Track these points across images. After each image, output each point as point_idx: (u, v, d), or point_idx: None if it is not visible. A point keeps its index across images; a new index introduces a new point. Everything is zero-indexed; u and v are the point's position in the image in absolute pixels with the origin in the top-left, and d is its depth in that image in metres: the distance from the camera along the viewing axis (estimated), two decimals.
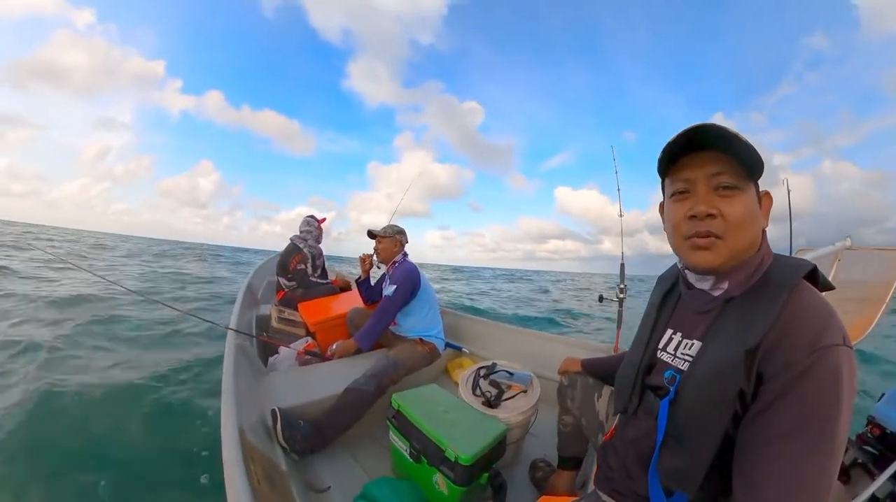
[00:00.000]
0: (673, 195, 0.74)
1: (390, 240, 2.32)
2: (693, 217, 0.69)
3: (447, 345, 2.42)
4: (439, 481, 1.27)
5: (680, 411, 0.72)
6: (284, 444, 1.37)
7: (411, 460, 1.35)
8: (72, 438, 2.05)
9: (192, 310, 3.17)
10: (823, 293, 0.67)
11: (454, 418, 1.42)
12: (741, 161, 0.66)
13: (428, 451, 1.30)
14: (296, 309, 2.77)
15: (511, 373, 1.86)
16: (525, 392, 1.75)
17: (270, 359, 2.13)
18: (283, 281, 3.16)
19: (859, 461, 1.07)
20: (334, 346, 2.13)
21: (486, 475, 1.29)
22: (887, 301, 1.23)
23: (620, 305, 2.20)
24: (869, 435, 1.10)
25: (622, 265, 2.26)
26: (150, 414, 2.36)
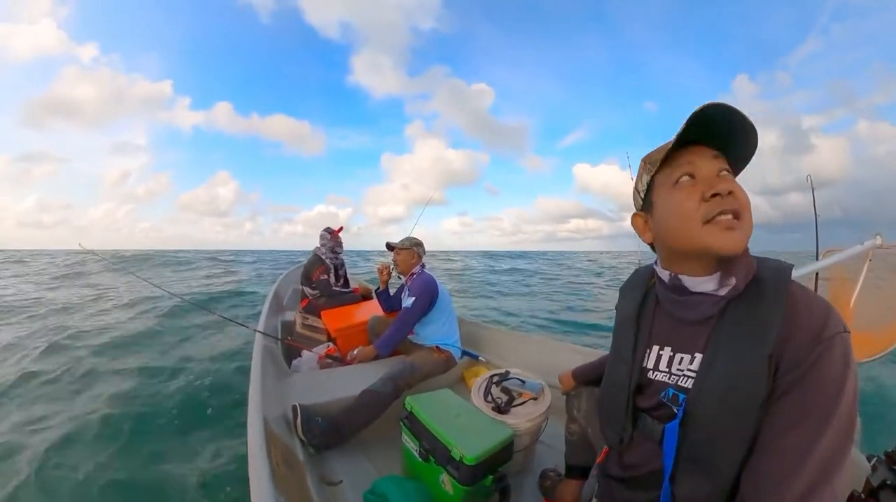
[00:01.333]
0: (676, 182, 0.68)
1: (408, 252, 2.41)
2: (715, 196, 0.63)
3: (464, 353, 2.48)
4: (445, 481, 1.32)
5: (697, 432, 0.67)
6: (303, 437, 1.48)
7: (420, 459, 1.41)
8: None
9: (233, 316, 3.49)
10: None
11: (464, 421, 1.47)
12: (736, 158, 0.67)
13: (436, 451, 1.36)
14: (319, 316, 2.91)
15: (523, 381, 1.89)
16: (535, 399, 1.77)
17: (294, 362, 2.27)
18: (307, 290, 3.32)
19: (889, 483, 0.92)
20: (355, 352, 2.24)
21: (490, 477, 1.33)
22: None
23: None
24: None
25: (639, 263, 2.26)
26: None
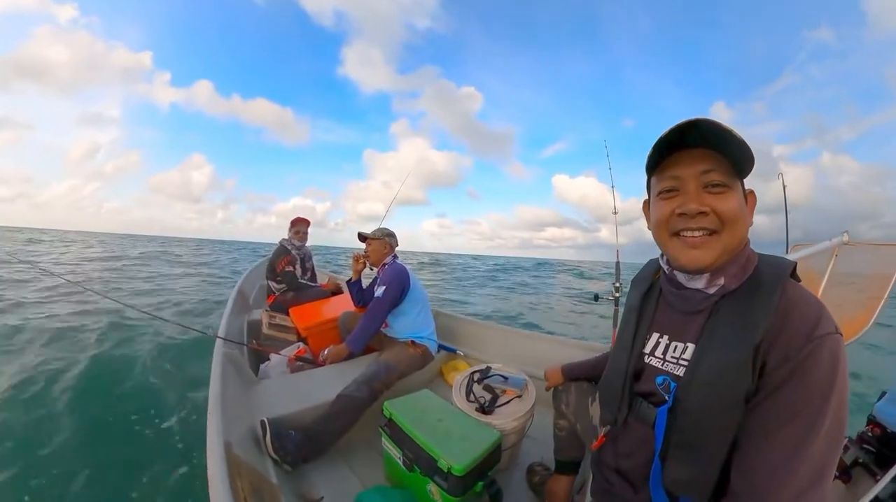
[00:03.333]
0: (660, 193, 0.73)
1: (380, 242, 2.32)
2: (682, 215, 0.68)
3: (441, 347, 2.41)
4: (433, 490, 1.25)
5: (685, 418, 0.69)
6: (275, 456, 1.35)
7: (405, 468, 1.34)
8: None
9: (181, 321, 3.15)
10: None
11: (448, 426, 1.41)
12: (733, 159, 0.66)
13: (421, 460, 1.28)
14: (287, 313, 2.75)
15: (505, 378, 1.84)
16: (520, 397, 1.73)
17: (262, 366, 2.12)
18: (272, 284, 3.13)
19: (860, 460, 1.07)
20: (326, 351, 2.12)
21: (481, 484, 1.28)
22: (886, 296, 1.23)
23: (616, 304, 2.23)
24: (869, 434, 1.10)
25: (617, 264, 2.28)
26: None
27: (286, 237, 3.28)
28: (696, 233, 0.68)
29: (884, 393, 1.13)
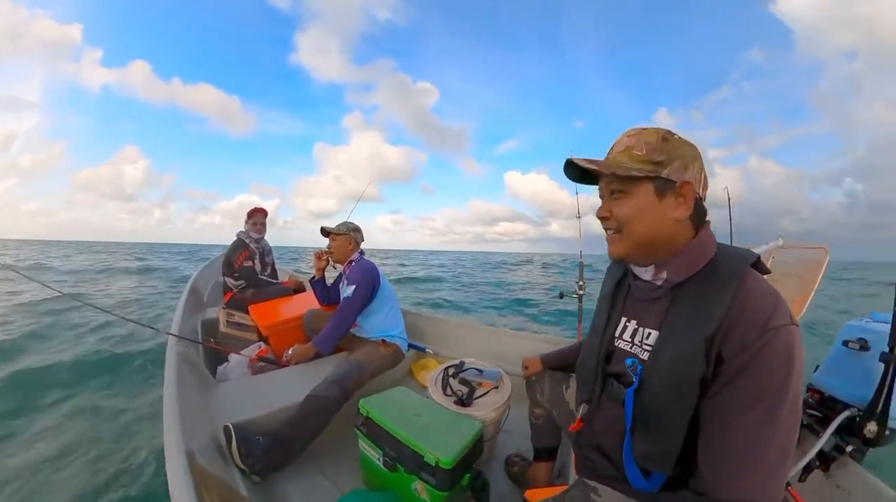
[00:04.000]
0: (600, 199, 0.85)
1: (345, 237, 2.20)
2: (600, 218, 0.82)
3: (410, 345, 2.35)
4: (419, 488, 1.20)
5: (646, 399, 0.75)
6: (242, 465, 1.23)
7: (385, 469, 1.27)
8: None
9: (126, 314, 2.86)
10: (764, 275, 0.73)
11: (428, 420, 1.36)
12: (614, 174, 0.75)
13: (404, 458, 1.23)
14: (246, 311, 2.56)
15: (480, 371, 1.83)
16: (496, 388, 1.73)
17: (220, 368, 1.94)
18: (229, 281, 2.90)
19: (805, 423, 1.19)
20: (290, 351, 1.98)
21: (467, 476, 1.24)
22: (815, 287, 1.38)
23: (580, 300, 2.30)
24: (811, 400, 1.23)
25: (581, 264, 2.34)
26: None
27: (243, 230, 3.06)
28: (608, 233, 0.80)
29: (817, 366, 1.27)
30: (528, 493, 1.08)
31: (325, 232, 2.25)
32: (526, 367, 1.47)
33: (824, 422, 1.12)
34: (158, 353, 3.20)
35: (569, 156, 0.79)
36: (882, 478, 1.02)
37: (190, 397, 1.33)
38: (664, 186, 0.73)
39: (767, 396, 0.60)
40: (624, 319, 0.87)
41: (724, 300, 0.65)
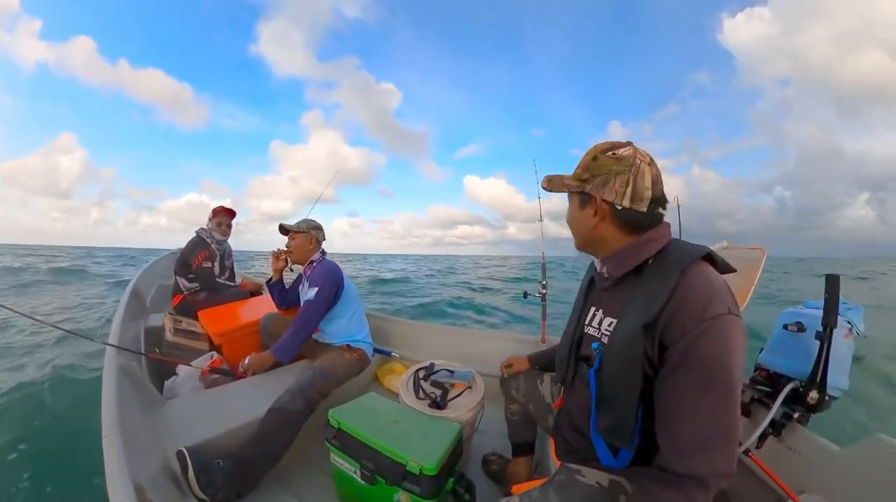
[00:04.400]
0: None
1: (305, 236, 2.04)
2: None
3: (375, 350, 2.24)
4: (403, 499, 1.14)
5: (605, 378, 0.84)
6: (203, 495, 1.10)
7: (363, 482, 1.20)
8: None
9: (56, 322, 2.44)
10: (728, 273, 0.80)
11: (405, 427, 1.31)
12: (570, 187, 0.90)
13: (384, 469, 1.16)
14: (195, 317, 2.32)
15: (452, 372, 1.80)
16: (470, 388, 1.70)
17: (167, 383, 1.74)
18: (182, 281, 2.62)
19: (756, 398, 1.37)
20: (247, 361, 1.81)
21: (451, 480, 1.20)
22: (755, 283, 1.53)
23: (544, 300, 2.32)
24: (759, 377, 1.41)
25: (543, 265, 2.37)
26: None
27: (204, 228, 2.78)
28: None
29: (762, 348, 1.45)
30: (515, 487, 1.08)
31: (284, 230, 2.09)
32: (509, 365, 1.49)
33: (772, 396, 1.30)
34: (94, 369, 2.83)
35: (544, 173, 0.97)
36: (825, 437, 1.20)
37: (134, 419, 1.17)
38: (585, 199, 0.87)
39: (713, 379, 0.67)
40: (593, 308, 0.96)
41: (666, 290, 0.72)
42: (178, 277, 2.66)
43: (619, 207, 0.82)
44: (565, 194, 0.96)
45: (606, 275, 0.90)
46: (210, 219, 2.79)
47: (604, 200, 0.83)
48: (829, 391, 1.20)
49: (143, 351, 1.92)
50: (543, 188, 0.95)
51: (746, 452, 1.26)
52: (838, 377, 1.21)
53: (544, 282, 2.30)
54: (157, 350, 2.00)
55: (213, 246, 2.74)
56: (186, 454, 1.11)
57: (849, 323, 1.27)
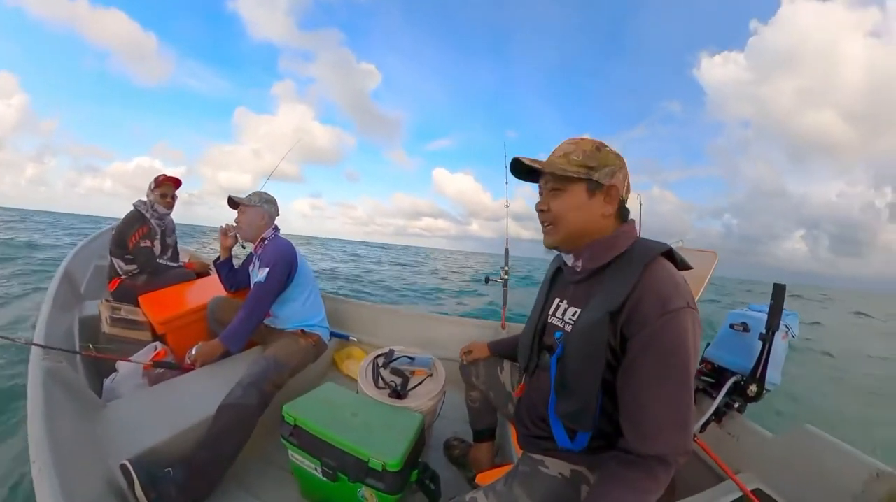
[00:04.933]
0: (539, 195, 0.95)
1: (256, 210, 1.89)
2: (538, 211, 0.93)
3: (332, 334, 2.19)
4: (367, 495, 1.15)
5: (566, 364, 0.87)
6: None
7: (326, 479, 1.18)
8: None
9: None
10: (685, 270, 0.85)
11: (365, 419, 1.30)
12: (554, 174, 0.87)
13: (347, 466, 1.15)
14: (136, 303, 2.13)
15: (412, 359, 1.80)
16: (431, 375, 1.72)
17: (106, 382, 1.60)
18: (119, 263, 2.38)
19: (701, 388, 1.52)
20: (194, 351, 1.70)
21: (415, 472, 1.22)
22: (705, 283, 1.68)
23: (505, 285, 2.34)
24: (705, 369, 1.56)
25: (506, 250, 2.38)
26: None
27: (144, 200, 2.48)
28: (544, 225, 0.93)
29: (709, 343, 1.60)
30: (480, 477, 1.13)
31: (234, 202, 1.92)
32: (469, 352, 1.48)
33: (716, 386, 1.44)
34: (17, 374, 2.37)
35: (515, 156, 0.91)
36: (759, 424, 1.36)
37: (68, 433, 1.05)
38: (594, 187, 0.86)
39: (671, 368, 0.72)
40: (557, 299, 0.99)
41: (629, 283, 0.77)
42: (113, 258, 2.42)
43: (623, 199, 0.89)
44: (534, 186, 0.96)
45: (580, 269, 0.91)
46: (151, 190, 2.49)
47: (617, 191, 0.88)
48: (767, 386, 1.35)
49: (77, 347, 1.74)
50: (536, 167, 0.91)
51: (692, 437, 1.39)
52: (774, 373, 1.36)
53: (506, 268, 2.32)
54: (90, 346, 1.81)
55: (153, 221, 2.48)
56: (131, 467, 1.03)
57: (787, 327, 1.40)
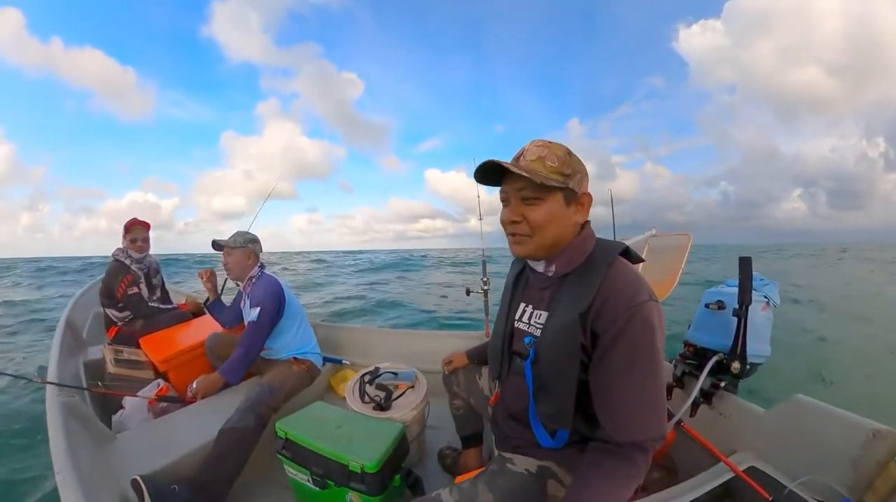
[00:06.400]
0: (502, 200, 0.91)
1: (241, 251, 2.00)
2: (506, 222, 0.89)
3: (325, 359, 2.29)
4: (354, 498, 1.26)
5: (540, 368, 0.90)
6: None
7: (317, 488, 1.31)
8: None
9: None
10: (639, 264, 0.91)
11: (349, 431, 1.41)
12: (533, 182, 0.81)
13: (332, 473, 1.27)
14: (137, 346, 2.27)
15: (395, 373, 1.92)
16: (412, 387, 1.83)
17: (115, 418, 1.74)
18: (113, 312, 2.48)
19: (686, 371, 1.53)
20: (195, 384, 1.83)
21: (398, 477, 1.32)
22: (682, 266, 1.75)
23: (486, 296, 2.46)
24: (687, 352, 1.57)
25: (483, 262, 2.50)
26: None
27: (120, 247, 2.57)
28: (515, 236, 0.89)
29: (689, 325, 1.61)
30: (458, 479, 1.17)
31: (218, 246, 2.03)
32: (449, 362, 1.54)
33: (699, 368, 1.43)
34: (37, 411, 2.63)
35: (489, 159, 0.84)
36: (752, 401, 1.35)
37: (85, 456, 1.20)
38: (570, 196, 0.85)
39: (639, 358, 0.77)
40: (522, 304, 1.02)
41: (595, 284, 0.81)
42: (105, 310, 2.53)
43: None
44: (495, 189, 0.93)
45: (550, 274, 0.92)
46: (123, 237, 2.58)
47: (589, 198, 0.88)
48: (751, 359, 1.35)
49: (84, 386, 1.88)
50: (518, 173, 0.81)
51: (679, 422, 1.39)
52: (759, 346, 1.37)
53: (485, 279, 2.42)
54: (99, 383, 1.96)
55: (133, 267, 2.56)
56: (141, 482, 1.17)
57: (765, 297, 1.42)
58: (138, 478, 1.19)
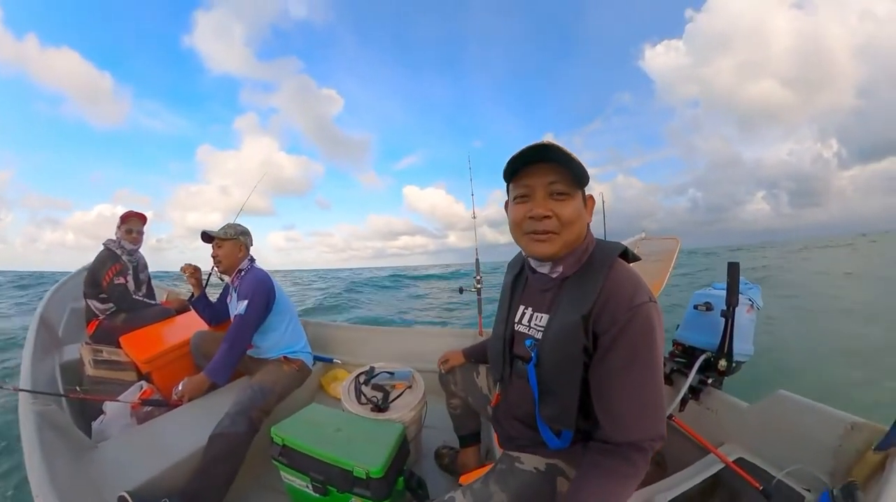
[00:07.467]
0: (516, 198, 0.89)
1: (232, 243, 1.92)
2: (532, 217, 0.85)
3: (316, 358, 2.22)
4: None
5: (544, 370, 0.90)
6: None
7: (317, 495, 1.26)
8: None
9: None
10: (634, 263, 0.91)
11: (349, 434, 1.38)
12: (573, 174, 0.82)
13: (334, 479, 1.23)
14: (117, 345, 2.14)
15: (392, 373, 1.88)
16: (410, 387, 1.79)
17: (95, 425, 1.63)
18: (95, 304, 2.38)
19: (675, 369, 1.59)
20: (180, 387, 1.74)
21: (401, 479, 1.29)
22: (671, 268, 1.79)
23: (479, 294, 2.44)
24: (676, 351, 1.64)
25: (477, 260, 2.48)
26: None
27: (113, 238, 2.50)
28: (542, 235, 0.85)
29: (678, 325, 1.68)
30: (463, 478, 1.17)
31: (208, 236, 1.93)
32: (446, 361, 1.52)
33: (688, 366, 1.50)
34: (8, 421, 2.39)
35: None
36: (736, 396, 1.41)
37: (63, 469, 1.11)
38: (584, 196, 0.87)
39: (639, 357, 0.77)
40: (522, 307, 1.01)
41: (596, 286, 0.81)
42: (88, 300, 2.43)
43: None
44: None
45: (555, 276, 0.91)
46: (118, 227, 2.54)
47: (593, 201, 0.90)
48: (736, 358, 1.42)
49: (61, 391, 1.77)
50: (564, 159, 0.79)
51: (670, 417, 1.45)
52: (744, 345, 1.44)
53: (478, 278, 2.40)
54: (76, 388, 1.84)
55: (124, 258, 2.50)
56: (129, 499, 1.09)
57: (749, 300, 1.49)
58: (125, 495, 1.11)
